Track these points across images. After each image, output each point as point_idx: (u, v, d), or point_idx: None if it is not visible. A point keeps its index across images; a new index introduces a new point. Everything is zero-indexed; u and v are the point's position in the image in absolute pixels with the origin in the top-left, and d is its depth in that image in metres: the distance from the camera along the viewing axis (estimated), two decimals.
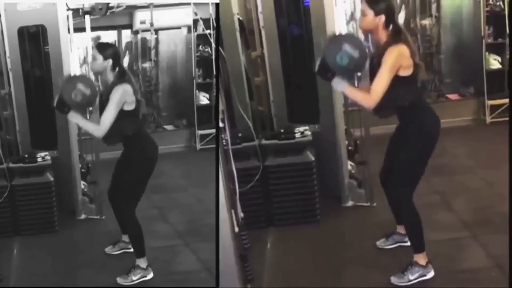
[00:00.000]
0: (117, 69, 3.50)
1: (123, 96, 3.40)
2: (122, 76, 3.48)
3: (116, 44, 7.66)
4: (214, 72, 7.50)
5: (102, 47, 3.51)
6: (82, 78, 3.41)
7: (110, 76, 3.50)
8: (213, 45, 7.13)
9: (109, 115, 3.37)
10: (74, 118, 3.55)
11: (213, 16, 6.82)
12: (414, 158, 3.27)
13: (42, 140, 4.94)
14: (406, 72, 3.09)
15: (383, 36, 3.15)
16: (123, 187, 3.65)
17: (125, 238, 4.05)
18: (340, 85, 3.21)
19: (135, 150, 3.61)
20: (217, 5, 4.65)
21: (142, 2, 6.92)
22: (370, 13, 3.13)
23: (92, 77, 4.00)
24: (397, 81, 3.07)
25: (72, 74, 3.47)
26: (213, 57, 7.33)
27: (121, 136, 3.52)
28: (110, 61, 3.46)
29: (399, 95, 3.11)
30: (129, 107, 3.46)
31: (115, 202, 3.85)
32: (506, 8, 6.71)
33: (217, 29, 4.73)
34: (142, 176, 3.63)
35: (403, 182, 3.33)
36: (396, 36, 3.12)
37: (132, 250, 3.82)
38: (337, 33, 3.14)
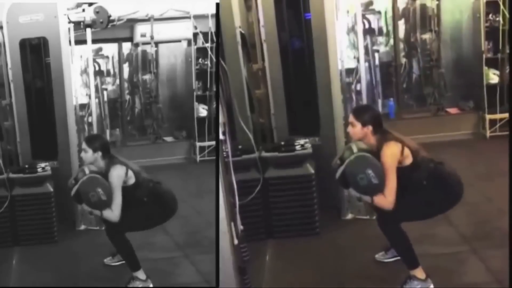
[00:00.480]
0: (107, 158, 3.68)
1: (119, 178, 3.59)
2: (112, 163, 3.65)
3: (117, 56, 7.77)
4: (214, 85, 7.56)
5: (90, 141, 3.72)
6: (103, 184, 3.57)
7: (102, 164, 3.68)
8: (213, 58, 7.20)
9: (116, 199, 3.57)
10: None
11: (213, 30, 6.91)
12: (419, 204, 3.39)
13: (43, 151, 4.95)
14: (406, 161, 3.27)
15: (373, 140, 3.36)
16: (126, 217, 3.69)
17: None
18: (357, 195, 3.43)
19: (154, 206, 3.75)
20: (217, 18, 4.67)
21: (143, 16, 7.01)
22: (357, 124, 3.37)
23: None
24: (402, 172, 3.24)
25: (93, 174, 3.63)
26: (214, 70, 7.40)
27: (139, 202, 3.68)
28: (99, 153, 3.67)
29: (413, 179, 3.30)
30: (130, 181, 3.66)
31: (108, 223, 3.81)
32: (506, 23, 6.75)
33: (218, 41, 4.75)
34: (145, 221, 3.79)
35: (396, 214, 3.35)
36: (385, 138, 3.31)
37: None
38: (365, 154, 3.28)
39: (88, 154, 3.67)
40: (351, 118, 3.41)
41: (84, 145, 3.71)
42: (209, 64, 7.40)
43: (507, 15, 6.69)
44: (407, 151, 3.27)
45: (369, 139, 3.37)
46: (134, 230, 3.79)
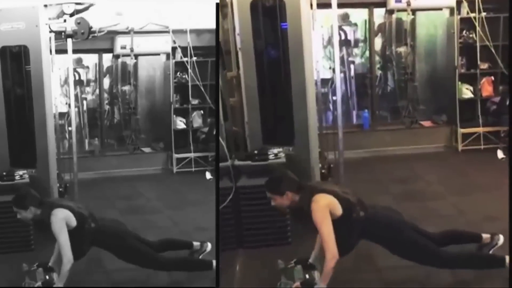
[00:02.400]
0: (41, 207, 3.58)
1: (62, 221, 3.49)
2: (48, 208, 3.55)
3: (97, 67, 7.78)
4: (192, 98, 7.63)
5: (18, 203, 3.61)
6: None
7: (40, 214, 3.57)
8: (191, 73, 7.34)
9: (63, 244, 3.46)
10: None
11: (191, 45, 7.08)
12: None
13: (21, 159, 4.89)
14: (337, 213, 3.22)
15: (299, 201, 3.30)
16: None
17: None
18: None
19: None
20: (217, 19, 4.71)
21: (123, 28, 7.06)
22: (276, 197, 3.32)
23: None
24: (338, 223, 3.18)
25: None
26: (190, 84, 7.50)
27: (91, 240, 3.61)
28: (32, 208, 3.57)
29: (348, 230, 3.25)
30: (72, 224, 3.54)
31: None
32: (478, 41, 6.87)
33: (217, 45, 4.78)
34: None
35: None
36: (310, 194, 3.25)
37: None
38: None
39: (24, 214, 3.58)
40: (269, 194, 3.36)
41: (15, 209, 3.60)
42: (187, 78, 7.49)
43: (480, 33, 6.84)
44: (334, 202, 3.22)
45: (295, 201, 3.31)
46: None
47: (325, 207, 3.18)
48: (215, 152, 3.10)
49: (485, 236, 3.83)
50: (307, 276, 3.33)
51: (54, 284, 3.53)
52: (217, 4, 4.57)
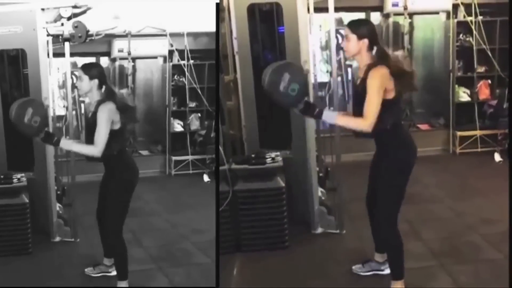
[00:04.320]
0: (103, 88, 3.54)
1: (110, 115, 3.42)
2: (108, 95, 3.52)
3: None
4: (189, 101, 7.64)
5: (87, 68, 3.57)
6: (29, 103, 3.45)
7: (97, 96, 3.54)
8: (188, 76, 7.37)
9: (102, 133, 3.39)
10: (67, 145, 3.60)
11: (188, 48, 7.10)
12: (392, 182, 3.27)
13: (19, 162, 4.89)
14: (389, 95, 3.11)
15: (367, 58, 3.18)
16: (110, 207, 3.63)
17: (107, 261, 4.02)
18: (332, 118, 3.22)
19: (118, 169, 3.61)
20: (217, 19, 4.71)
21: (120, 32, 7.07)
22: (353, 37, 3.17)
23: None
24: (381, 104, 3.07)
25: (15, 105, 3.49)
26: (188, 87, 7.52)
27: (106, 154, 3.48)
28: (96, 81, 3.52)
29: (383, 118, 3.09)
30: (115, 126, 3.48)
31: (102, 222, 3.81)
32: (476, 44, 6.90)
33: (217, 46, 4.78)
34: (126, 195, 3.63)
35: (384, 206, 3.32)
36: (380, 58, 3.14)
37: (111, 274, 3.90)
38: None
39: (84, 82, 3.50)
40: (346, 31, 3.19)
41: (79, 72, 3.53)
42: (184, 81, 7.51)
43: (477, 36, 6.86)
44: (391, 85, 3.08)
45: (363, 56, 3.18)
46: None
47: (384, 79, 3.05)
48: (215, 155, 3.12)
49: None
50: None
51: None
52: (217, 4, 4.58)
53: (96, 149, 3.39)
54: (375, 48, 3.18)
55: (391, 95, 3.11)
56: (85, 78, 3.51)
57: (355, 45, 3.17)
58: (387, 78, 3.06)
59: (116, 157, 3.55)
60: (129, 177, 3.66)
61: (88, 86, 3.52)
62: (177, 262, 4.37)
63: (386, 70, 3.07)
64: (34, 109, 3.41)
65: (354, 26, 3.19)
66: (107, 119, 3.40)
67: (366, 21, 3.42)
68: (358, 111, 3.16)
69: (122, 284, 3.67)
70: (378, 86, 3.04)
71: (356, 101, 3.20)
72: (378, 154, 3.43)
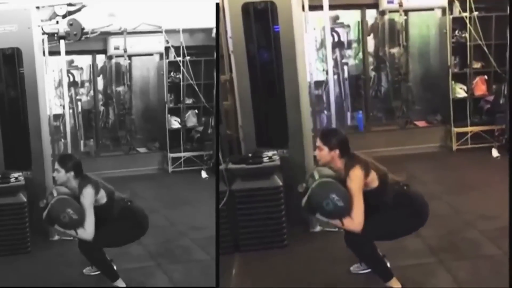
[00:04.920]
0: (79, 178, 3.69)
1: (91, 198, 3.61)
2: (84, 183, 3.66)
3: (91, 68, 7.77)
4: (186, 98, 7.65)
5: (63, 161, 3.72)
6: (72, 203, 3.59)
7: (74, 184, 3.69)
8: (185, 72, 7.35)
9: (89, 218, 3.59)
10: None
11: (184, 44, 7.08)
12: (388, 224, 3.41)
13: (16, 161, 4.89)
14: (372, 185, 3.32)
15: (339, 164, 3.39)
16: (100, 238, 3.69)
17: None
18: (324, 220, 3.39)
19: (126, 224, 3.78)
20: (217, 19, 4.70)
21: (116, 29, 7.05)
22: (324, 148, 3.39)
23: None
24: (368, 195, 3.28)
25: (62, 196, 3.65)
26: (184, 83, 7.50)
27: (111, 220, 3.71)
28: (72, 173, 3.67)
29: (379, 202, 3.34)
30: (102, 200, 3.69)
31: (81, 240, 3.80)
32: (472, 40, 6.89)
33: (217, 45, 4.77)
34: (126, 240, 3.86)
35: (365, 235, 3.35)
36: (351, 162, 3.33)
37: None
38: (327, 179, 3.34)
39: (61, 174, 3.68)
40: (318, 142, 3.43)
41: (56, 165, 3.70)
42: (181, 78, 7.50)
43: (473, 32, 6.85)
44: (373, 175, 3.31)
45: (336, 163, 3.39)
46: (106, 246, 3.81)
47: (361, 177, 3.26)
48: (215, 153, 3.14)
49: None
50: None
51: None
52: (217, 4, 4.57)
53: (86, 233, 3.59)
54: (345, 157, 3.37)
55: (374, 184, 3.32)
56: (62, 170, 3.68)
57: (327, 154, 3.39)
58: (363, 176, 3.26)
59: (120, 218, 3.74)
60: (130, 232, 3.82)
61: (65, 177, 3.69)
62: (176, 259, 4.39)
63: (360, 169, 3.26)
64: (73, 210, 3.57)
65: (325, 138, 3.41)
66: (89, 203, 3.59)
67: (336, 132, 3.56)
68: None
69: (118, 283, 3.75)
70: (357, 188, 3.24)
71: None
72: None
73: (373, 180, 3.31)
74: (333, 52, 6.91)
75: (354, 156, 3.39)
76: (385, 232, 3.41)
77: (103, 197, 3.68)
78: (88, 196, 3.60)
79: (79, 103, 7.69)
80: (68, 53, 5.07)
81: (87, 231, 3.57)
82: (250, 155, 4.43)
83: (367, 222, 3.27)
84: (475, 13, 6.83)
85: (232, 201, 4.22)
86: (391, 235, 3.50)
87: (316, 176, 3.38)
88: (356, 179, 3.25)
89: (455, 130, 7.08)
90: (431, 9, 7.35)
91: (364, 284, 3.66)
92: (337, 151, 3.36)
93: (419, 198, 3.48)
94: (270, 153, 4.42)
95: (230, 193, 4.20)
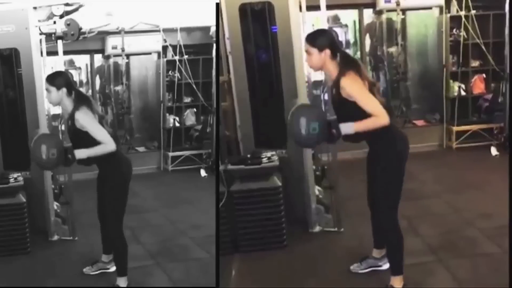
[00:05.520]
0: (73, 94, 3.54)
1: (90, 116, 3.45)
2: (80, 101, 3.52)
3: (89, 68, 7.77)
4: (184, 97, 7.67)
5: (52, 79, 3.56)
6: (49, 139, 3.50)
7: (69, 103, 3.54)
8: (183, 71, 7.35)
9: (100, 132, 3.43)
10: (83, 154, 3.48)
11: (181, 43, 7.09)
12: (389, 178, 3.27)
13: (15, 161, 4.89)
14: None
15: (333, 67, 3.20)
16: (108, 204, 3.65)
17: (105, 258, 4.05)
18: (350, 128, 3.12)
19: (109, 169, 3.62)
20: (217, 19, 4.69)
21: (113, 28, 7.04)
22: (314, 51, 3.19)
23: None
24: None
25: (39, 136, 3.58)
26: (183, 82, 7.51)
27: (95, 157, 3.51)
28: (64, 89, 3.52)
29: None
30: None
31: (103, 220, 3.84)
32: (469, 38, 6.89)
33: (217, 45, 4.77)
34: (121, 192, 3.64)
35: (384, 202, 3.32)
36: (346, 63, 3.17)
37: (110, 270, 3.96)
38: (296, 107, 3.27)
39: (53, 94, 3.51)
40: (306, 46, 3.21)
41: (46, 85, 3.54)
42: (178, 76, 7.49)
43: (471, 31, 6.85)
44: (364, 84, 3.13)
45: (328, 66, 3.20)
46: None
47: (358, 80, 3.08)
48: (215, 154, 3.13)
49: None
50: None
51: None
52: (217, 4, 4.56)
53: (108, 146, 3.41)
54: (338, 55, 3.20)
55: None
56: (53, 89, 3.52)
57: (318, 58, 3.19)
58: (359, 79, 3.10)
59: (106, 157, 3.51)
60: (122, 170, 3.64)
61: (58, 96, 3.52)
62: (175, 258, 4.39)
63: (355, 75, 3.09)
64: (47, 144, 3.44)
65: (312, 39, 3.20)
66: (92, 120, 3.44)
67: (323, 31, 3.42)
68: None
69: (121, 281, 3.69)
70: (360, 87, 3.07)
71: (339, 118, 3.21)
72: (371, 152, 3.44)
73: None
74: None
75: (348, 57, 3.22)
76: (397, 183, 3.26)
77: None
78: (86, 116, 3.42)
79: None
80: (66, 53, 5.05)
81: (108, 143, 3.38)
82: (248, 155, 4.43)
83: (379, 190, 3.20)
84: (473, 12, 6.84)
85: (231, 202, 4.21)
86: (400, 183, 3.30)
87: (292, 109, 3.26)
88: (353, 82, 3.06)
89: (454, 128, 7.08)
90: (429, 8, 7.34)
91: (364, 284, 3.65)
92: (328, 51, 3.15)
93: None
94: (269, 154, 4.41)
95: (229, 194, 4.19)
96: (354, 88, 3.07)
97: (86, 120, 3.42)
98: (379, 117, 3.04)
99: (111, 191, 3.62)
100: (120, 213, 3.64)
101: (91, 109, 3.50)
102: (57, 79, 3.53)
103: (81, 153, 3.46)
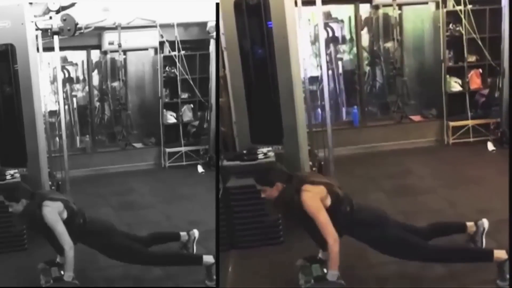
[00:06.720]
0: (32, 200, 3.63)
1: (53, 213, 3.57)
2: (39, 199, 3.62)
3: (86, 64, 7.74)
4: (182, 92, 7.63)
5: (8, 196, 3.66)
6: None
7: (32, 207, 3.62)
8: (180, 67, 7.31)
9: (61, 232, 3.55)
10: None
11: (179, 39, 7.05)
12: None
13: (12, 158, 4.90)
14: (326, 204, 3.29)
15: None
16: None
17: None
18: (334, 276, 3.29)
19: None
20: (217, 19, 4.69)
21: (110, 24, 7.02)
22: (266, 188, 3.37)
23: None
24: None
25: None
26: (180, 78, 7.49)
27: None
28: (23, 201, 3.62)
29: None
30: (64, 215, 3.63)
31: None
32: (467, 33, 6.89)
33: (217, 43, 4.76)
34: None
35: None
36: (298, 185, 3.28)
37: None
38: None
39: (15, 207, 3.63)
40: (258, 186, 3.41)
41: (7, 202, 3.65)
42: (176, 72, 7.47)
43: (467, 25, 6.84)
44: (324, 192, 3.28)
45: (285, 192, 3.35)
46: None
47: (316, 195, 3.23)
48: (216, 147, 3.13)
49: (469, 224, 3.88)
50: (325, 270, 3.37)
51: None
52: (217, 4, 4.55)
53: (68, 246, 3.55)
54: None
55: (328, 202, 3.29)
56: (13, 204, 3.63)
57: (273, 192, 3.36)
58: (316, 195, 3.24)
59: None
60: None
61: (21, 207, 3.63)
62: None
63: (312, 187, 3.24)
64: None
65: (260, 181, 3.40)
66: (54, 219, 3.55)
67: (267, 170, 3.56)
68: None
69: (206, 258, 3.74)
70: (315, 206, 3.21)
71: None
72: None
73: (325, 199, 3.28)
74: (327, 47, 6.89)
75: (298, 177, 3.37)
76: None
77: (63, 212, 3.62)
78: (50, 211, 3.54)
79: (74, 99, 7.66)
80: (62, 48, 5.06)
81: (66, 247, 3.52)
82: (244, 151, 4.43)
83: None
84: (469, 6, 6.81)
85: (228, 198, 4.21)
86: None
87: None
88: (309, 199, 3.21)
89: (451, 124, 7.08)
90: (425, 2, 7.33)
91: (360, 279, 3.66)
92: (279, 184, 3.34)
93: (372, 214, 3.48)
94: (265, 150, 4.42)
95: (225, 190, 4.19)
96: (308, 205, 3.21)
97: (49, 218, 3.54)
98: (331, 243, 3.20)
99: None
100: None
101: (51, 200, 3.61)
102: (13, 194, 3.64)
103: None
